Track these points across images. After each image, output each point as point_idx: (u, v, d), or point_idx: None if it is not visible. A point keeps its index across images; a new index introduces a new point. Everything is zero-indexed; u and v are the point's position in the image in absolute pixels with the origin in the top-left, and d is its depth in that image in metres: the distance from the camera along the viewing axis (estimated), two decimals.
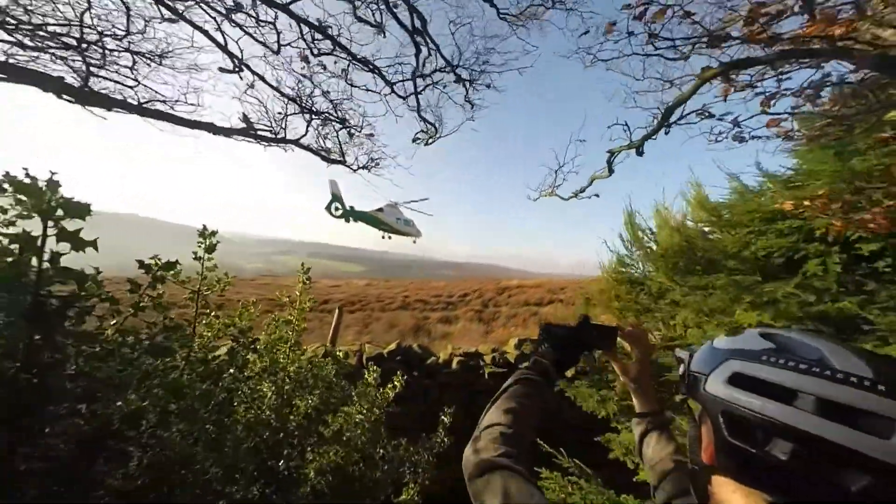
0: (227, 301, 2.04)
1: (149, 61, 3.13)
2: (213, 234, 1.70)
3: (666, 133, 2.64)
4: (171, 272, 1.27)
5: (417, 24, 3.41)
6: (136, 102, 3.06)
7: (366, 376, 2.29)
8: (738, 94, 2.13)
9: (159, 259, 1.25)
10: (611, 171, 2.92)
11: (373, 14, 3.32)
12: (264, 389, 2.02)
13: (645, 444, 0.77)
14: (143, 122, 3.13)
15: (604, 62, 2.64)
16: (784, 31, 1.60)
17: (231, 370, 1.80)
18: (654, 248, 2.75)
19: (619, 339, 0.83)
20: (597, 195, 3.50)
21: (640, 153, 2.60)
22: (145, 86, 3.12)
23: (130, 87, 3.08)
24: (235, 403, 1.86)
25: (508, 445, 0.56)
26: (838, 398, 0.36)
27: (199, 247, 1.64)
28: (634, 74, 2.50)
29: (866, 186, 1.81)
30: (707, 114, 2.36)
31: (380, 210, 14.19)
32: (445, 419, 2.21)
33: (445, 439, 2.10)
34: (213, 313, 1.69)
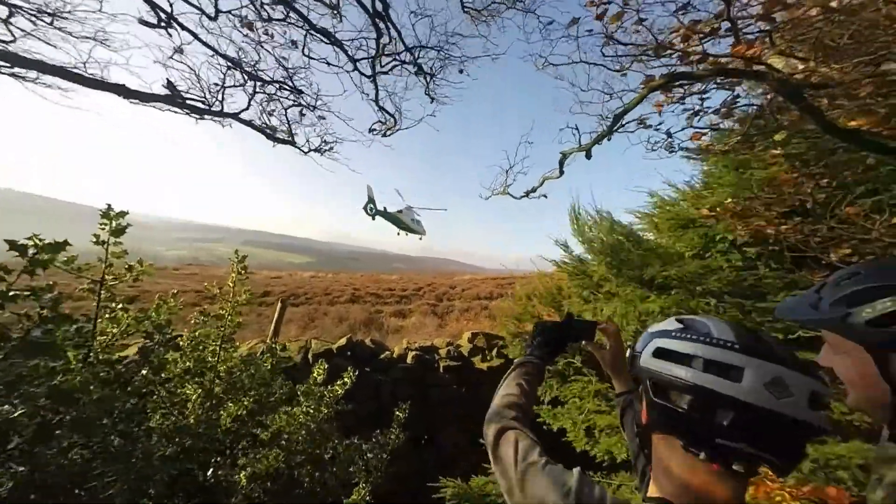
0: (144, 293, 1.74)
1: (33, 19, 2.46)
2: (122, 214, 1.43)
3: (608, 140, 2.86)
4: (60, 254, 1.02)
5: (379, 6, 3.22)
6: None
7: (313, 373, 2.14)
8: (669, 107, 2.39)
9: (40, 239, 1.00)
10: (561, 173, 3.07)
11: None
12: (188, 392, 1.78)
13: (625, 420, 0.90)
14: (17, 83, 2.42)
15: (554, 66, 2.77)
16: (711, 52, 1.81)
17: (144, 371, 1.55)
18: (597, 242, 3.00)
19: (597, 331, 0.96)
20: (545, 196, 3.68)
21: (588, 156, 2.76)
22: (39, 38, 2.44)
23: (4, 42, 2.40)
24: (150, 409, 1.60)
25: (518, 412, 0.70)
26: (714, 357, 0.49)
27: (102, 229, 1.36)
28: (581, 85, 2.67)
29: (759, 196, 2.19)
30: (645, 124, 2.60)
31: (400, 211, 17.06)
32: (400, 415, 2.16)
33: (401, 435, 2.05)
34: (119, 306, 1.42)
